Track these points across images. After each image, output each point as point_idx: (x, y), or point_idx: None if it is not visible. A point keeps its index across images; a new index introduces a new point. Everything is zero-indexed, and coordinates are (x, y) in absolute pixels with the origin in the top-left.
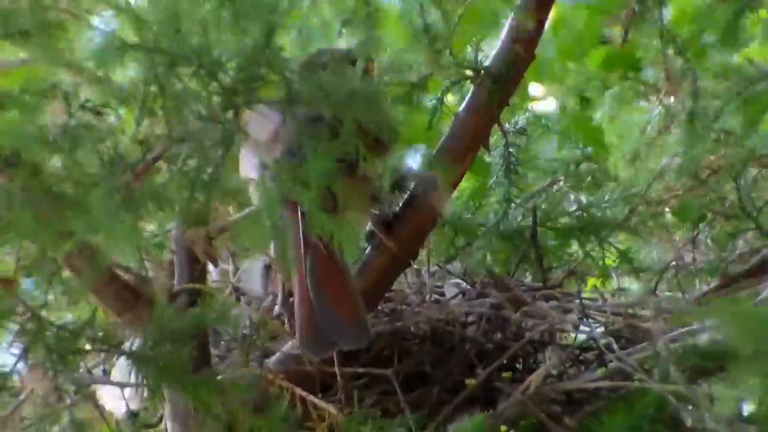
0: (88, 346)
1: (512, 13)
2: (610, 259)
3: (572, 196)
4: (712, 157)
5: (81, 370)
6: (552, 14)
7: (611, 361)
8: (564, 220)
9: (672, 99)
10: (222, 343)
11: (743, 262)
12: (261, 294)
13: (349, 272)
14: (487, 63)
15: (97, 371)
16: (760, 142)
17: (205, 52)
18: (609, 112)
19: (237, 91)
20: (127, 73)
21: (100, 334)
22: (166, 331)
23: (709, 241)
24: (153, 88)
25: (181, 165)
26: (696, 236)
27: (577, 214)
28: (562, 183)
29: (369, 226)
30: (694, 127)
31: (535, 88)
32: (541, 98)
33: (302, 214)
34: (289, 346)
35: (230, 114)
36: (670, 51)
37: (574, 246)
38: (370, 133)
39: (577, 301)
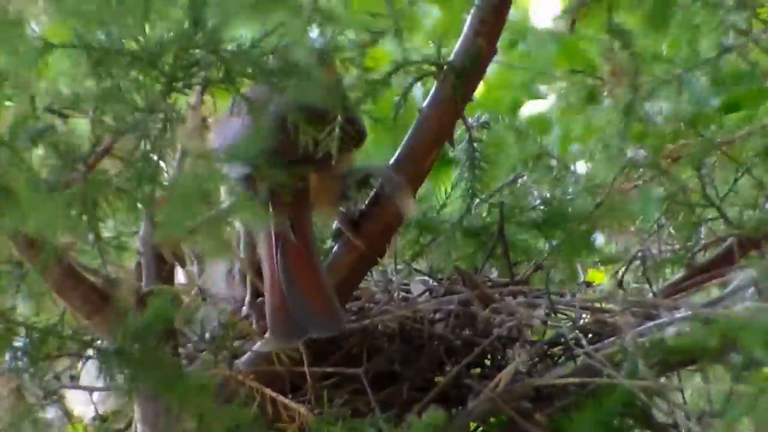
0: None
1: (474, 7)
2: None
3: (535, 191)
4: (671, 146)
5: (49, 375)
6: None
7: (579, 357)
8: (528, 215)
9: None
10: (189, 345)
11: (708, 251)
12: (225, 297)
13: (319, 261)
14: (450, 58)
15: (65, 377)
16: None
17: (138, 43)
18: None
19: (176, 77)
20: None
21: (69, 332)
22: (136, 329)
23: (672, 230)
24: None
25: (128, 156)
26: (660, 227)
27: (541, 207)
28: (525, 178)
29: (335, 224)
30: (630, 118)
31: None
32: None
33: (273, 205)
34: (259, 346)
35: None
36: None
37: (541, 241)
38: (354, 122)
39: (545, 296)
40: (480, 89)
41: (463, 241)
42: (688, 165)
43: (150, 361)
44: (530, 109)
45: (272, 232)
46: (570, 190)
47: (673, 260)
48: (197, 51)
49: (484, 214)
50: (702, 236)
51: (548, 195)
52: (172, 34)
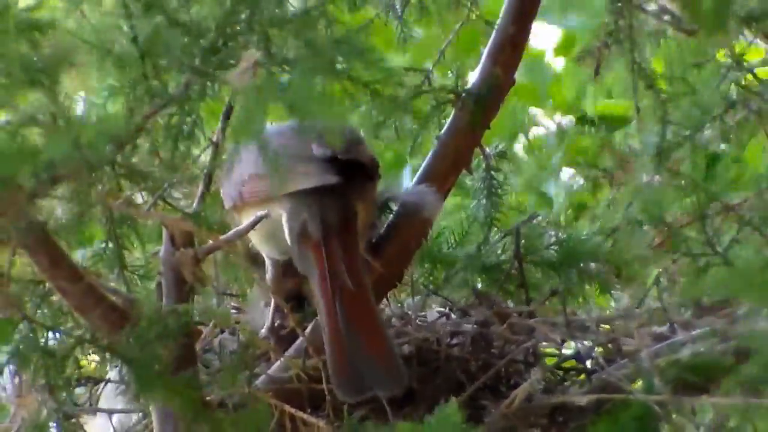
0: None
1: (492, 38)
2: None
3: (551, 231)
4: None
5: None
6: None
7: (595, 376)
8: (543, 254)
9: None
10: (209, 366)
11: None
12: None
13: (379, 311)
14: (467, 87)
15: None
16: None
17: (183, 8)
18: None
19: (217, 49)
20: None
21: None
22: (152, 332)
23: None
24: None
25: (166, 122)
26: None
27: (555, 247)
28: (540, 218)
29: None
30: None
31: None
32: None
33: (326, 250)
34: (278, 366)
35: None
36: (641, 84)
37: (555, 280)
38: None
39: (562, 316)
40: None
41: (480, 277)
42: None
43: (169, 381)
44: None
45: (328, 280)
46: (585, 231)
47: (681, 304)
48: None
49: (499, 252)
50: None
51: (563, 235)
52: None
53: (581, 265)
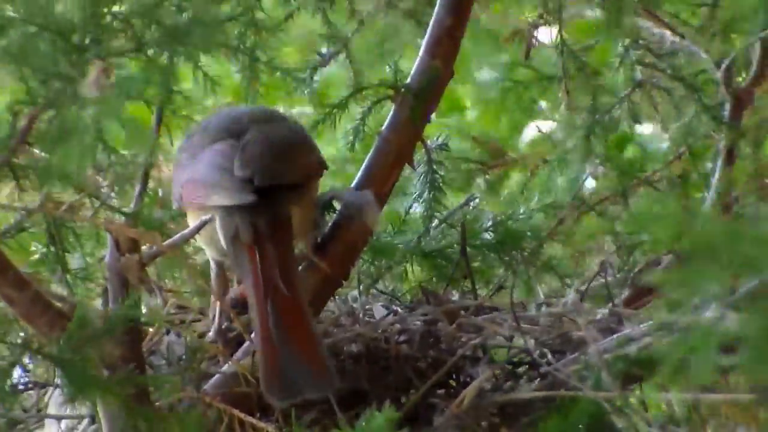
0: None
1: (429, 30)
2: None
3: (488, 213)
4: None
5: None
6: None
7: (544, 372)
8: (483, 237)
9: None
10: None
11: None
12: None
13: (310, 316)
14: (407, 81)
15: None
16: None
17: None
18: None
19: (86, 47)
20: None
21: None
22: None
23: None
24: None
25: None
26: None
27: (493, 229)
28: (477, 200)
29: (300, 248)
30: (590, 143)
31: None
32: None
33: (260, 253)
34: (226, 368)
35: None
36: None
37: (497, 263)
38: (315, 149)
39: (509, 312)
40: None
41: (421, 264)
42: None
43: (103, 380)
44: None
45: (261, 284)
46: (522, 210)
47: (619, 283)
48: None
49: (439, 237)
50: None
51: (502, 216)
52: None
53: (524, 245)
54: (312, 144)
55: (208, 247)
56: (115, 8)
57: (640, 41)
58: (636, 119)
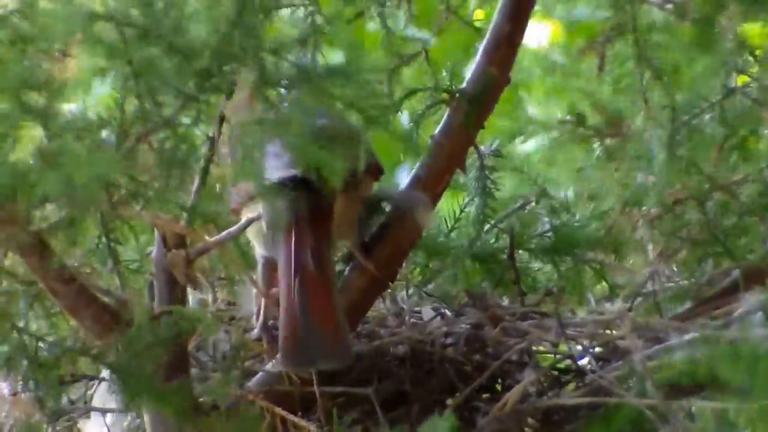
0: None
1: (487, 35)
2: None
3: (544, 218)
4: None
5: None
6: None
7: (588, 379)
8: (537, 242)
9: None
10: (200, 367)
11: (713, 284)
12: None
13: (336, 292)
14: (462, 86)
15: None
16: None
17: (178, 30)
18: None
19: (211, 72)
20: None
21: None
22: (144, 341)
23: (675, 267)
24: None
25: (159, 147)
26: (669, 257)
27: (549, 234)
28: (533, 204)
29: (348, 247)
30: (674, 157)
31: None
32: None
33: (295, 233)
34: (270, 367)
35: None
36: (647, 74)
37: (548, 267)
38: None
39: (556, 319)
40: None
41: (471, 268)
42: (692, 206)
43: (159, 389)
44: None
45: (292, 259)
46: (578, 216)
47: (680, 294)
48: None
49: (492, 241)
50: (706, 271)
51: (556, 222)
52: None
53: (576, 252)
54: (364, 144)
55: (256, 242)
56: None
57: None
58: (725, 126)
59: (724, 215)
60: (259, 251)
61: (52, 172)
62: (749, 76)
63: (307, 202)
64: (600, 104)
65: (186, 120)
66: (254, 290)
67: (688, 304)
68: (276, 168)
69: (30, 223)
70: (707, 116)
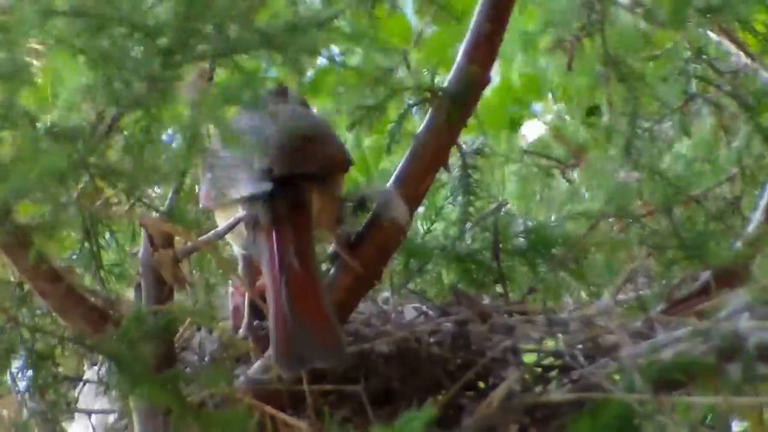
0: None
1: (467, 35)
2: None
3: (520, 219)
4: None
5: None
6: None
7: (576, 375)
8: (514, 242)
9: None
10: (188, 368)
11: (683, 287)
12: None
13: (324, 290)
14: (444, 85)
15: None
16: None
17: (137, 13)
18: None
19: (174, 50)
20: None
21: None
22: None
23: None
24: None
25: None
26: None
27: (524, 235)
28: (509, 205)
29: (332, 247)
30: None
31: None
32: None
33: (277, 235)
34: (258, 366)
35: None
36: (612, 75)
37: (527, 268)
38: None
39: (542, 314)
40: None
41: (451, 268)
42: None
43: (154, 378)
44: (529, 130)
45: (276, 259)
46: (553, 217)
47: (651, 297)
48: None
49: (469, 241)
50: (676, 276)
51: (532, 222)
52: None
53: (552, 251)
54: (334, 137)
55: (235, 242)
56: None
57: (703, 56)
58: (686, 132)
59: (690, 222)
60: (237, 250)
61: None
62: (709, 82)
63: (285, 200)
64: (562, 135)
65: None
66: (229, 291)
67: (660, 307)
68: (247, 180)
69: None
70: (667, 123)
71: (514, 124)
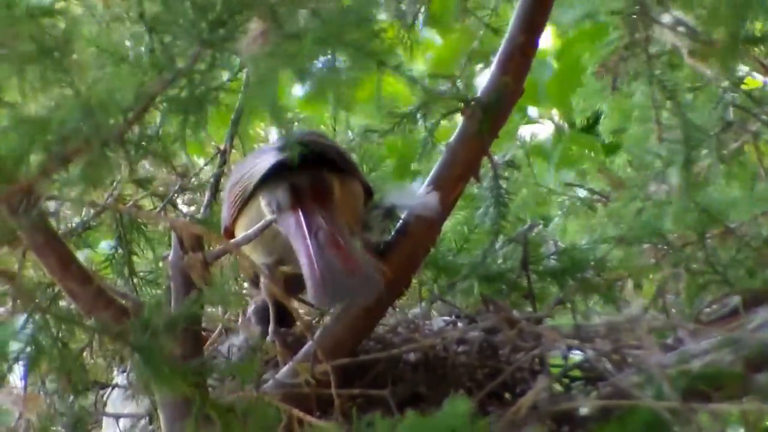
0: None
1: (501, 47)
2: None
3: (551, 240)
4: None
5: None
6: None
7: (603, 383)
8: (545, 263)
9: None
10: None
11: (713, 311)
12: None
13: (354, 241)
14: (477, 95)
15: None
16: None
17: None
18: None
19: (223, 21)
20: None
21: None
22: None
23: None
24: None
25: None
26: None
27: (556, 257)
28: (540, 226)
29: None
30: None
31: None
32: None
33: (301, 207)
34: (286, 369)
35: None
36: (659, 95)
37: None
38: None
39: (571, 323)
40: None
41: (482, 285)
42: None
43: (179, 367)
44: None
45: (303, 223)
46: (584, 240)
47: (683, 317)
48: None
49: (500, 261)
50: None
51: (566, 245)
52: None
53: (583, 274)
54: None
55: (257, 250)
56: None
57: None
58: (723, 159)
59: (724, 250)
60: (259, 259)
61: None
62: (746, 110)
63: (306, 182)
64: (605, 168)
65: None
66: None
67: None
68: (265, 164)
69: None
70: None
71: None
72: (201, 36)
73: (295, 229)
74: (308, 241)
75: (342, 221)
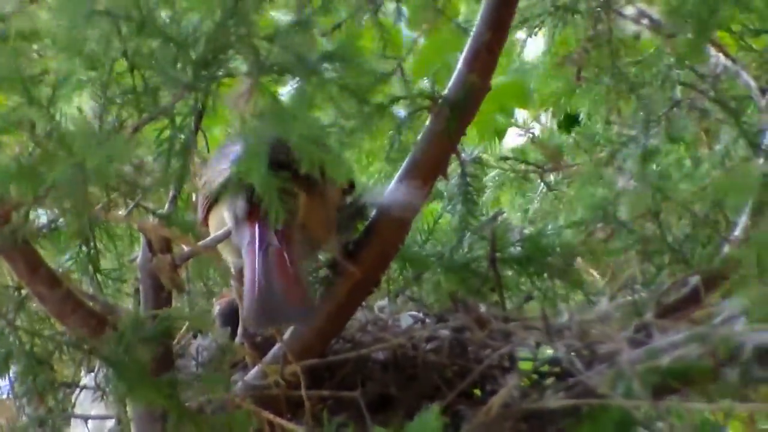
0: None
1: (468, 43)
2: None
3: (516, 228)
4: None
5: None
6: None
7: (573, 380)
8: (510, 251)
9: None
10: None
11: (672, 293)
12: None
13: (300, 264)
14: (444, 93)
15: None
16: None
17: (173, 21)
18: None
19: (208, 62)
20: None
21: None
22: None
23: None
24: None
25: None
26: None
27: (521, 244)
28: (505, 215)
29: (329, 253)
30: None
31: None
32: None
33: (259, 219)
34: (255, 371)
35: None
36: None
37: (523, 277)
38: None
39: (540, 320)
40: None
41: (448, 277)
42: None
43: (153, 382)
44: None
45: (256, 238)
46: (550, 226)
47: (641, 303)
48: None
49: (465, 250)
50: (665, 281)
51: (531, 231)
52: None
53: (549, 260)
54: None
55: (226, 251)
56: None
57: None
58: (672, 138)
59: (677, 226)
60: (230, 259)
61: (62, 155)
62: (692, 87)
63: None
64: (539, 140)
65: (182, 110)
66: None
67: (650, 313)
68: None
69: (16, 227)
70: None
71: (501, 133)
72: (183, 78)
73: (247, 242)
74: (255, 257)
75: (299, 237)
